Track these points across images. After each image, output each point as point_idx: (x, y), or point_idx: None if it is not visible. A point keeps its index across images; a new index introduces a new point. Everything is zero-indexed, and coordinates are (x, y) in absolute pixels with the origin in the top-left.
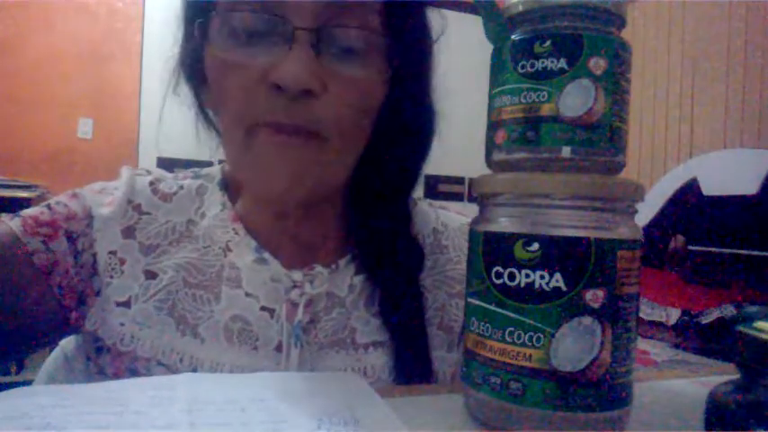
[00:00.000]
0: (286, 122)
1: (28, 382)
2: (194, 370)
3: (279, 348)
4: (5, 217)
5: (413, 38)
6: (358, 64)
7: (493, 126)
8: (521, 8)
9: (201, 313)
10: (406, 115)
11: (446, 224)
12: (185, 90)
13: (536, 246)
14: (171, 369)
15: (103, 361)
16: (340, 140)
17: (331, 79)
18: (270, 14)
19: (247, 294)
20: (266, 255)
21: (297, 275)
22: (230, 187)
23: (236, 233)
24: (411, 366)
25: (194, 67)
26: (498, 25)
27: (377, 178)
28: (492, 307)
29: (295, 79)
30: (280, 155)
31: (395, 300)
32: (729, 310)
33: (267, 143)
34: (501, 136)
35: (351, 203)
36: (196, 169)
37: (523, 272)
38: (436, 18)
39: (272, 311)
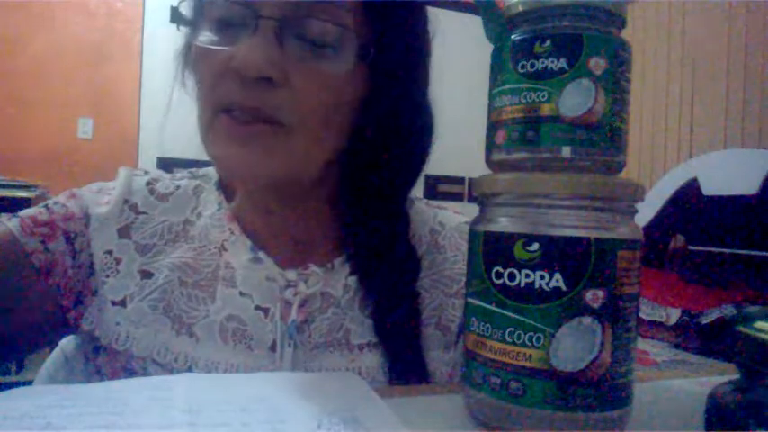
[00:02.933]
0: (243, 106)
1: (28, 383)
2: (189, 369)
3: (273, 348)
4: (4, 217)
5: (397, 38)
6: (325, 58)
7: (493, 126)
8: (521, 8)
9: (197, 312)
10: (397, 115)
11: (443, 223)
12: (191, 83)
13: (536, 246)
14: (166, 368)
15: (101, 360)
16: (303, 132)
17: (294, 70)
18: (240, 4)
19: (242, 294)
20: (261, 254)
21: (291, 275)
22: (227, 187)
23: (232, 233)
24: (406, 367)
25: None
26: (498, 25)
27: (372, 178)
28: (492, 307)
29: (249, 64)
30: (235, 140)
31: (388, 302)
32: (729, 310)
33: (225, 128)
34: (501, 136)
35: (347, 203)
36: (193, 170)
37: (523, 272)
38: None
39: (266, 311)
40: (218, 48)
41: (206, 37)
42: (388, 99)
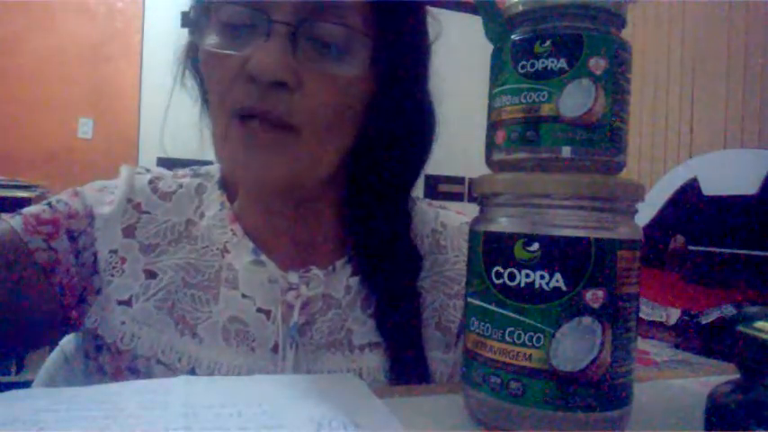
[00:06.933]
0: (257, 110)
1: (28, 382)
2: (192, 369)
3: (275, 349)
4: (6, 216)
5: (402, 39)
6: (337, 61)
7: (493, 126)
8: (521, 8)
9: (200, 314)
10: (400, 116)
11: (445, 224)
12: (191, 83)
13: (536, 246)
14: (170, 368)
15: (103, 359)
16: (315, 135)
17: (308, 74)
18: (252, 8)
19: (244, 296)
20: (263, 257)
21: (293, 277)
22: (229, 186)
23: (234, 234)
24: (407, 368)
25: (197, 61)
26: (498, 25)
27: (374, 179)
28: (492, 307)
29: (265, 70)
30: (250, 145)
31: (391, 301)
32: (729, 310)
33: (240, 133)
34: (501, 136)
35: (348, 204)
36: (195, 167)
37: (523, 272)
38: (432, 20)
39: (268, 313)
40: (231, 53)
41: (215, 40)
42: (393, 99)
